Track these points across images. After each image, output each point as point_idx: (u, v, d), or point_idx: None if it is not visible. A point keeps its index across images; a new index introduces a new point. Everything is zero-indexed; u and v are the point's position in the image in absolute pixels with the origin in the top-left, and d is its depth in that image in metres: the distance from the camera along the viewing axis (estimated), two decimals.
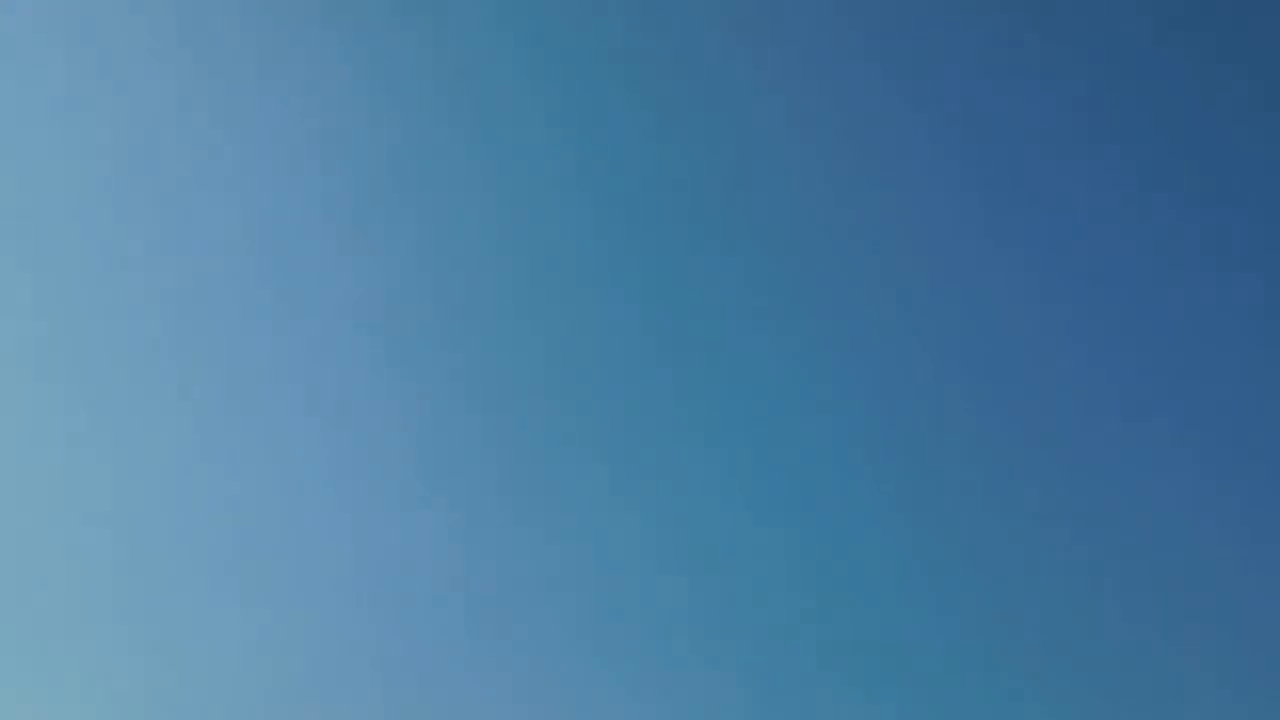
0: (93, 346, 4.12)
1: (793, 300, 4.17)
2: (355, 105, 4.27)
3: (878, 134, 4.25)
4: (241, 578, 4.01)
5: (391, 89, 4.28)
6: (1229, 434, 4.06)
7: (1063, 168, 4.21)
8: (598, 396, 4.11)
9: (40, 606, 3.99)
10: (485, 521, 4.03)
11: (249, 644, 3.96)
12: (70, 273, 4.16)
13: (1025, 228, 4.19)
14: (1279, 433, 4.04)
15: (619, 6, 4.27)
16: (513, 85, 4.26)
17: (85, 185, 4.21)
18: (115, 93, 4.24)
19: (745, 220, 4.17)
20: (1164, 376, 4.11)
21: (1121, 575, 4.01)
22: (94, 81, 4.24)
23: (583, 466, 4.07)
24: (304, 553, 4.02)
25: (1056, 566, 4.02)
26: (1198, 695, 3.90)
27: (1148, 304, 4.13)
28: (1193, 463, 4.07)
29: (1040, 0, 4.26)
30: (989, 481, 4.06)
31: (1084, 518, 4.04)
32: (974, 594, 4.00)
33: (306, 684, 3.93)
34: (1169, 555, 4.01)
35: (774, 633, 3.97)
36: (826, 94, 4.24)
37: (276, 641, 3.96)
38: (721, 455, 4.08)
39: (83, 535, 4.03)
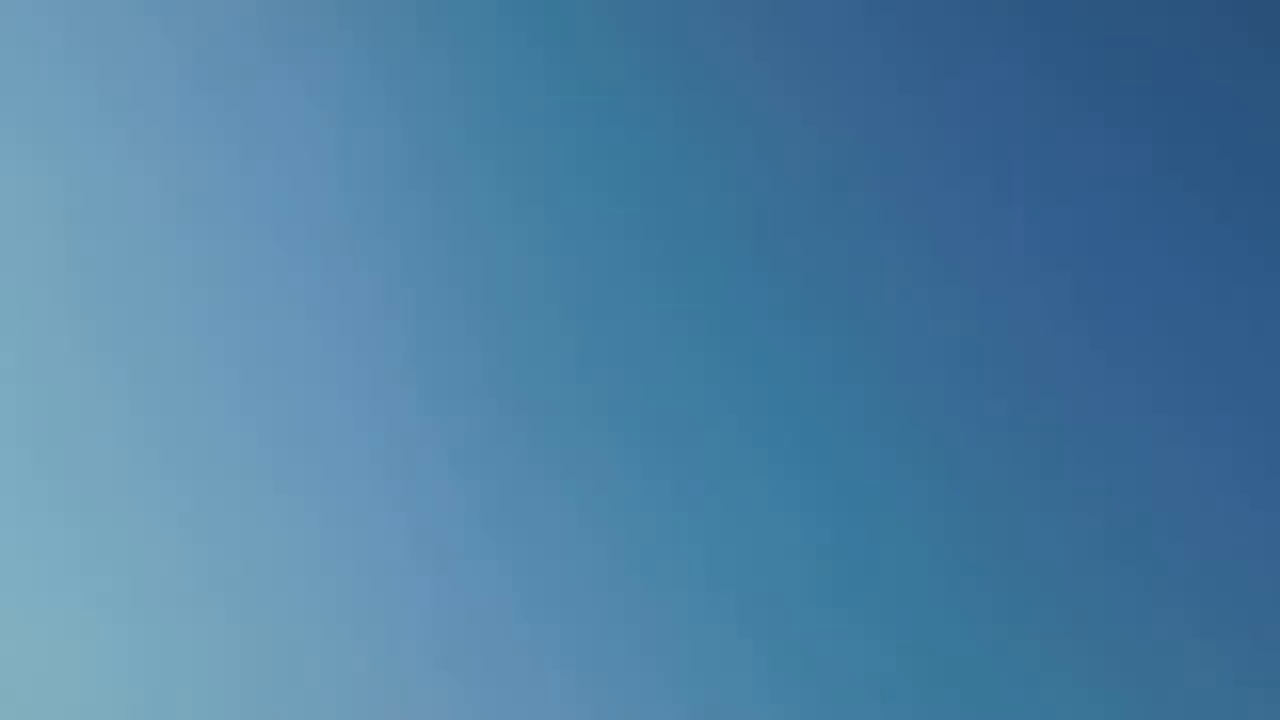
0: (108, 351, 4.11)
1: (821, 295, 4.16)
2: (375, 102, 4.29)
3: (906, 131, 4.25)
4: (259, 572, 3.98)
5: (411, 85, 4.31)
6: (1268, 432, 4.03)
7: (1092, 165, 4.20)
8: (625, 394, 4.10)
9: (47, 605, 3.97)
10: (515, 511, 4.02)
11: (272, 632, 3.93)
12: (84, 274, 4.17)
13: (1056, 224, 4.19)
14: None
15: (637, 5, 4.29)
16: (531, 81, 4.29)
17: (96, 188, 4.22)
18: (133, 95, 4.26)
19: (772, 219, 4.18)
20: (1201, 372, 4.08)
21: (1152, 568, 3.97)
22: (111, 83, 4.25)
23: (613, 460, 4.06)
24: (324, 547, 4.00)
25: (1087, 563, 3.98)
26: (1227, 691, 3.86)
27: (1182, 301, 4.11)
28: (1231, 456, 4.03)
29: None
30: (1020, 477, 4.04)
31: (1115, 511, 4.01)
32: (1004, 590, 3.97)
33: (327, 679, 3.89)
34: (1202, 548, 3.97)
35: (804, 624, 3.95)
36: (853, 92, 4.24)
37: (293, 631, 3.93)
38: (753, 451, 4.07)
39: (89, 535, 4.02)
